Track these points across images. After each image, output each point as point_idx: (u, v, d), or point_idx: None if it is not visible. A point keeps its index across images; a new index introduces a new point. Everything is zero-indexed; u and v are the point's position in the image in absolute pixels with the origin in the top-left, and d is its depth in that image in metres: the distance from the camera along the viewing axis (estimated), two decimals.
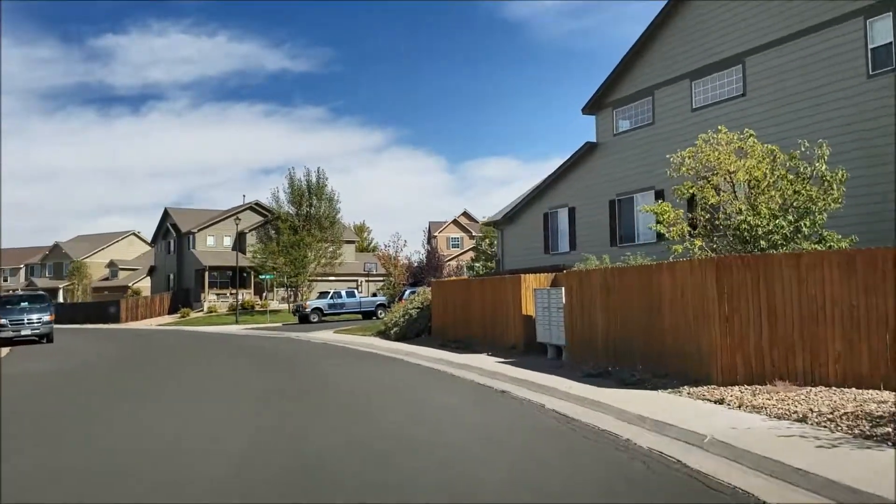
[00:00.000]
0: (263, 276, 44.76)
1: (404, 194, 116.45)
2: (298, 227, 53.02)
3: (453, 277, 30.16)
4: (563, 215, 24.77)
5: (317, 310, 42.00)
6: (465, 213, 73.94)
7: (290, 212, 55.48)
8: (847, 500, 5.23)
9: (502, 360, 15.93)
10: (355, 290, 44.86)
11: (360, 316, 43.72)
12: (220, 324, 44.71)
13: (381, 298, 44.92)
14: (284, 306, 54.94)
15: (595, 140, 23.30)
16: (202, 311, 52.98)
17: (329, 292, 43.43)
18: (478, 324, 19.37)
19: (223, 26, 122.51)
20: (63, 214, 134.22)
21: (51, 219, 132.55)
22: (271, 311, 47.39)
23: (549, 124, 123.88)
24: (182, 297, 56.35)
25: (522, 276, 17.04)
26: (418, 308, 23.81)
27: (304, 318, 41.86)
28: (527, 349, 16.80)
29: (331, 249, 54.84)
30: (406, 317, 23.81)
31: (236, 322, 44.21)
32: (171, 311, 54.87)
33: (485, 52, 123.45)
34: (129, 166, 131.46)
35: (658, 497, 5.73)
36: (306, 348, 23.34)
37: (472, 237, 71.47)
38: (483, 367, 14.86)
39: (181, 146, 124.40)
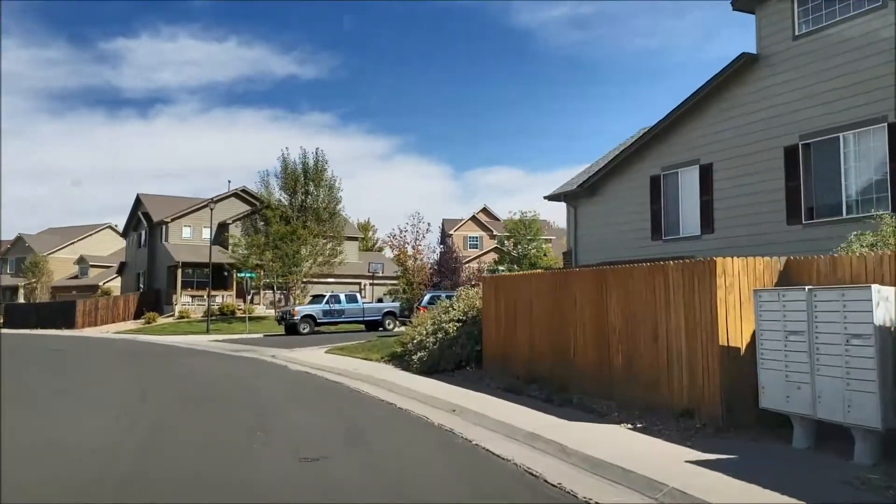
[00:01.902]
0: (243, 274, 35.90)
1: (410, 201, 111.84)
2: (292, 217, 44.11)
3: (536, 271, 21.34)
4: (688, 178, 15.69)
5: (308, 318, 32.94)
6: (484, 210, 64.84)
7: (283, 200, 46.62)
8: None
9: (700, 453, 6.87)
10: (357, 295, 35.78)
11: (362, 326, 34.72)
12: (188, 333, 35.69)
13: (389, 305, 35.81)
14: (272, 312, 45.94)
15: (755, 51, 14.22)
16: (173, 315, 43.97)
17: (325, 296, 34.35)
18: (587, 355, 10.30)
19: (232, 31, 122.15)
20: (66, 214, 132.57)
21: (54, 218, 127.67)
22: (253, 319, 38.35)
23: (555, 135, 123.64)
24: (151, 299, 47.37)
25: (719, 260, 7.95)
26: (458, 321, 14.74)
27: (291, 328, 32.83)
28: (731, 422, 7.71)
29: (329, 246, 45.81)
30: (439, 335, 14.73)
31: (207, 331, 35.18)
32: (138, 315, 45.86)
33: (492, 61, 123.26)
34: (135, 168, 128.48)
35: None
36: (270, 388, 14.23)
37: (492, 236, 62.45)
38: (677, 484, 5.81)
39: (188, 149, 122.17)
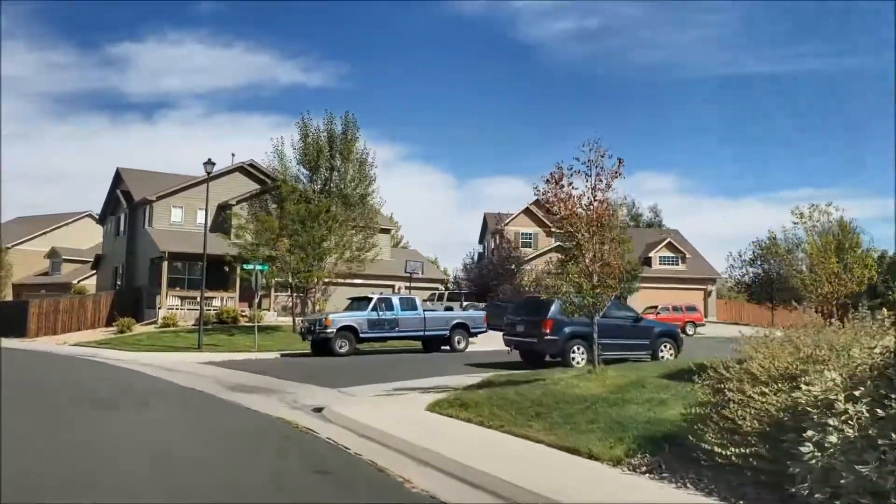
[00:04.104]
0: (251, 267, 25.32)
1: (412, 208, 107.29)
2: (312, 199, 33.56)
3: None
4: None
5: (347, 331, 22.39)
6: (537, 202, 54.14)
7: (301, 177, 36.00)
8: None
9: None
10: (416, 299, 25.05)
11: (415, 344, 24.41)
12: (172, 348, 25.09)
13: (461, 313, 25.32)
14: (286, 320, 35.30)
15: None
16: (155, 322, 33.31)
17: (370, 299, 23.74)
18: None
19: (239, 38, 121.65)
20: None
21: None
22: (263, 329, 27.61)
23: (555, 145, 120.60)
24: (129, 301, 36.70)
25: None
26: None
27: (321, 346, 22.41)
28: None
29: (357, 238, 35.18)
30: None
31: (198, 347, 24.52)
32: (111, 320, 35.15)
33: (497, 72, 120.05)
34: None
35: None
36: None
37: (549, 233, 51.80)
38: None
39: (192, 154, 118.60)
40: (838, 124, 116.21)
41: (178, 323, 32.46)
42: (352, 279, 36.95)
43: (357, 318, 22.67)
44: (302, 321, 23.54)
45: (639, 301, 41.76)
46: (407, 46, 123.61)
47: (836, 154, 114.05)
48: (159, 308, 33.81)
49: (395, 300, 23.74)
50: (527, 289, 39.95)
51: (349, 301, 25.28)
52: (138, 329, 32.24)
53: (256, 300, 36.57)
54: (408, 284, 41.68)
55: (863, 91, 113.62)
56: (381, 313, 23.02)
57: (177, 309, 34.21)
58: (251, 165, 39.32)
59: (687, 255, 51.30)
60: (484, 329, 25.12)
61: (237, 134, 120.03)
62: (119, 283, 40.06)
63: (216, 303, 35.26)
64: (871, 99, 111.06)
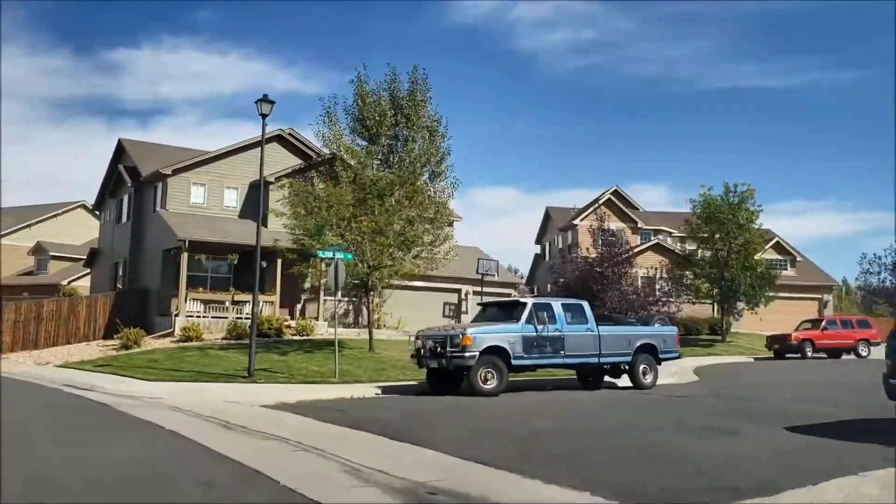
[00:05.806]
0: (328, 255, 16.85)
1: None
2: (372, 177, 25.17)
3: None
4: None
5: (494, 355, 14.01)
6: (616, 193, 45.85)
7: (357, 148, 27.36)
8: None
9: None
10: (584, 305, 16.47)
11: (572, 372, 16.27)
12: (205, 376, 16.61)
13: (648, 330, 17.00)
14: (343, 332, 26.93)
15: None
16: (171, 334, 24.85)
17: (521, 305, 15.28)
18: None
19: (236, 45, 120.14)
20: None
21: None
22: (319, 346, 19.16)
23: (550, 156, 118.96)
24: (135, 305, 28.25)
25: None
26: None
27: (449, 375, 14.09)
28: None
29: (423, 230, 26.65)
30: None
31: (248, 375, 16.08)
32: (111, 331, 26.67)
33: (492, 81, 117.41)
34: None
35: None
36: None
37: (636, 230, 43.63)
38: None
39: None
40: (832, 137, 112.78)
41: (202, 335, 24.00)
42: (411, 281, 28.70)
43: (508, 336, 14.29)
44: (419, 338, 15.08)
45: (771, 314, 33.79)
46: (404, 55, 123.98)
47: (829, 167, 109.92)
48: (176, 315, 25.37)
49: (558, 307, 15.35)
50: (635, 297, 31.70)
51: (480, 308, 16.89)
52: (150, 343, 23.77)
53: (302, 307, 28.36)
54: (478, 289, 33.41)
55: (859, 103, 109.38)
56: (539, 327, 14.66)
57: (198, 316, 25.79)
58: (291, 134, 31.06)
59: (797, 259, 43.24)
60: (676, 354, 16.88)
61: (233, 141, 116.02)
62: (120, 283, 31.56)
63: (247, 309, 26.89)
64: (868, 110, 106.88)
